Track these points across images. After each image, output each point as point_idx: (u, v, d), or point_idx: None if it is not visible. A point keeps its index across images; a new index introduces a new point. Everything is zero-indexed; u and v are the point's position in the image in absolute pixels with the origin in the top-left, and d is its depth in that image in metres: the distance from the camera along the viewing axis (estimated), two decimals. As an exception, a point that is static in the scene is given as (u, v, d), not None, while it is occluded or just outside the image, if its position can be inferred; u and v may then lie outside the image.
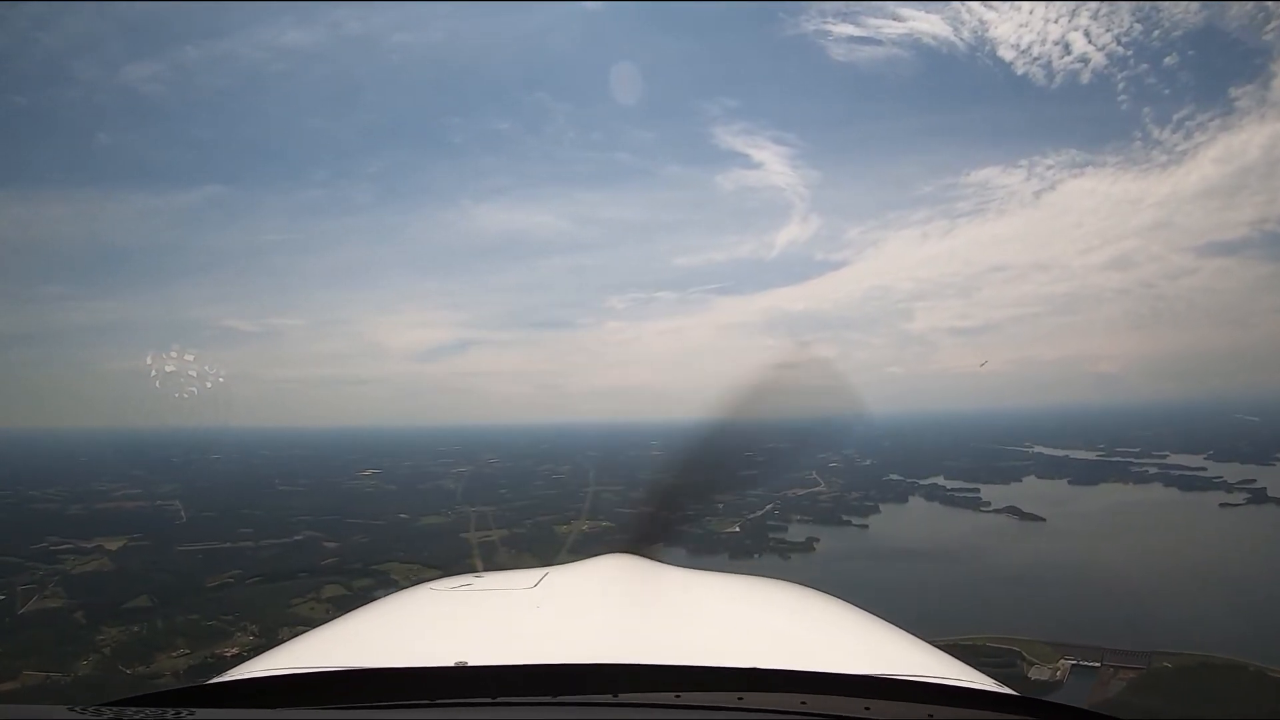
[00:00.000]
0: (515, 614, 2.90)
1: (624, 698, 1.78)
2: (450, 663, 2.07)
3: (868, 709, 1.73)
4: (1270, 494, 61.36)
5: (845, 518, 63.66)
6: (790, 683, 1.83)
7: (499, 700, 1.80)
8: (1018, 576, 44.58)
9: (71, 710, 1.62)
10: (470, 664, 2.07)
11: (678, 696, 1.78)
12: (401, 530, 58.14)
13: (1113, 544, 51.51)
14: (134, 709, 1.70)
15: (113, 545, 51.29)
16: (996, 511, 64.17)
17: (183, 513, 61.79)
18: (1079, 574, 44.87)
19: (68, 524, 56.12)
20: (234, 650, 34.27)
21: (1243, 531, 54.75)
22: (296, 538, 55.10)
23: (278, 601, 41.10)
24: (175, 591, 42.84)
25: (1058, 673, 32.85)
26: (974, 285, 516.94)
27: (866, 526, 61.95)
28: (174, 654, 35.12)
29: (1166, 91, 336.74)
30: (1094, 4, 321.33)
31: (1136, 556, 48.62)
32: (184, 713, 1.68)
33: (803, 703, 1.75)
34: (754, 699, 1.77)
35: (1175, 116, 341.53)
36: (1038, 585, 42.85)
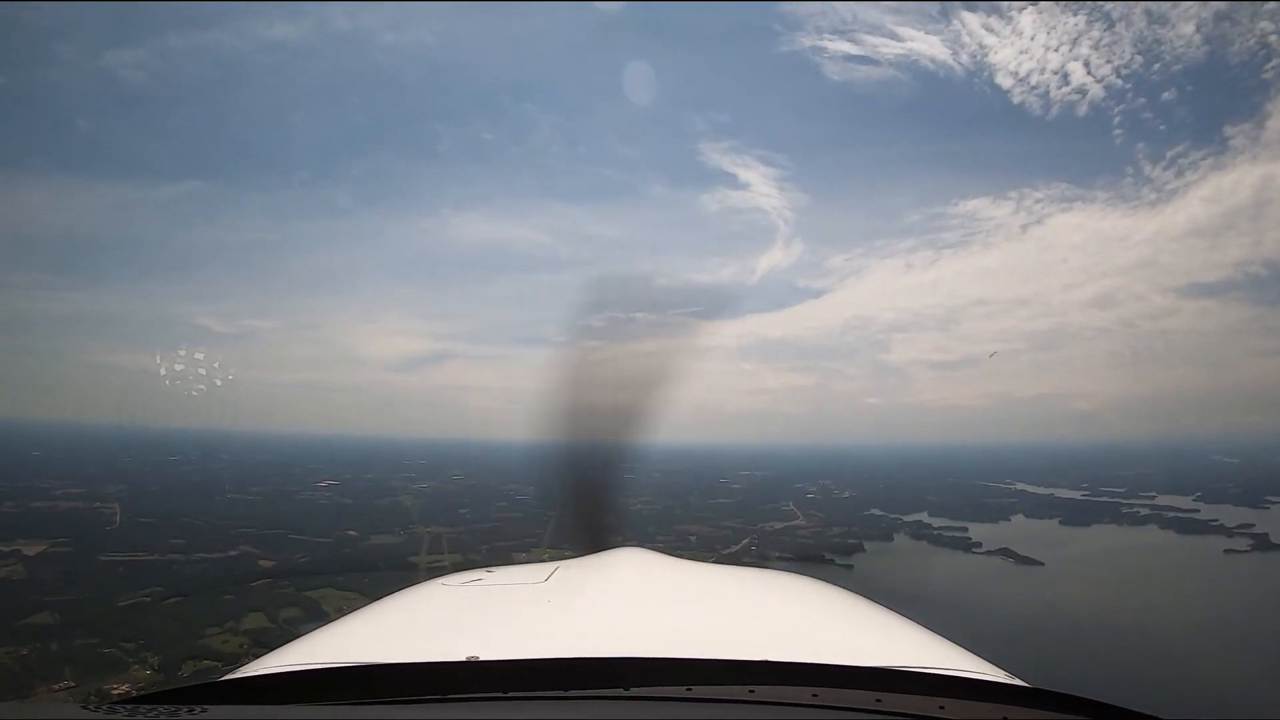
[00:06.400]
0: (526, 609, 2.86)
1: (636, 692, 1.77)
2: (462, 658, 2.01)
3: (879, 701, 1.72)
4: (1274, 540, 58.87)
5: (828, 556, 59.08)
6: (801, 675, 1.82)
7: (510, 695, 1.79)
8: (1030, 630, 39.83)
9: (85, 708, 1.64)
10: (482, 659, 2.01)
11: (689, 690, 1.77)
12: (347, 550, 53.20)
13: (1124, 593, 47.63)
14: (148, 706, 1.67)
15: (32, 550, 46.38)
16: (989, 554, 60.26)
17: (117, 517, 57.14)
18: (1098, 630, 40.21)
19: (-7, 524, 51.24)
20: (124, 686, 29.47)
21: (1259, 582, 51.62)
22: (232, 553, 50.44)
23: (190, 628, 36.37)
24: (82, 608, 38.06)
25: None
26: (954, 318, 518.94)
27: (851, 567, 57.36)
28: (56, 687, 30.17)
29: (1162, 127, 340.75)
30: (1096, 34, 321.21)
31: (1155, 609, 44.63)
32: (197, 710, 1.63)
33: (814, 695, 1.74)
34: (765, 692, 1.76)
35: (1169, 153, 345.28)
36: (1055, 642, 38.07)
